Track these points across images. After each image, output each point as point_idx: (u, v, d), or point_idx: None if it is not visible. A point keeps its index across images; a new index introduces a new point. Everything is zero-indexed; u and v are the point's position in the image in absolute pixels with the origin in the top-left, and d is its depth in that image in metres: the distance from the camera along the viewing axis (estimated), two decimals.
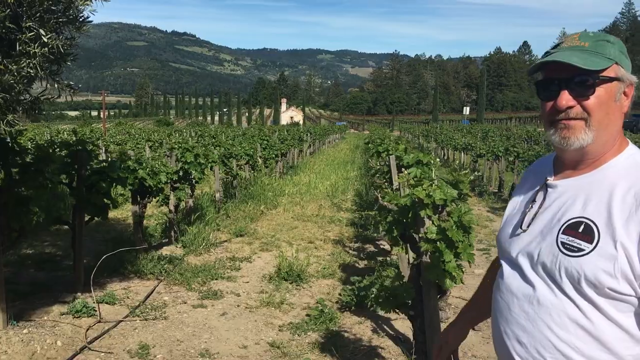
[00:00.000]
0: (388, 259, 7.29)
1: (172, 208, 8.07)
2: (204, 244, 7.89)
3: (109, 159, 5.83)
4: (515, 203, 1.59)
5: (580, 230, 1.31)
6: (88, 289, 5.62)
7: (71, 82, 3.75)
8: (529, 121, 70.76)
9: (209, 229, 8.50)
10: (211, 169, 10.36)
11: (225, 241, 8.48)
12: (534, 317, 1.36)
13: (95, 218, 5.64)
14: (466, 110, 71.71)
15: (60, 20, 3.56)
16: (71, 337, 4.58)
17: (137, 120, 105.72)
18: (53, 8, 3.29)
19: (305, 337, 4.89)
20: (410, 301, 2.85)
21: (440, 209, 2.68)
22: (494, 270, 1.66)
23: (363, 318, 5.25)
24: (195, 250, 7.68)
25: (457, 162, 20.98)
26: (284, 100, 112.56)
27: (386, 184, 5.36)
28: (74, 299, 5.29)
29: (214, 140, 18.51)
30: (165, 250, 7.56)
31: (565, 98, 1.36)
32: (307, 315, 5.36)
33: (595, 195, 1.34)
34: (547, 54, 1.45)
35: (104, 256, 5.52)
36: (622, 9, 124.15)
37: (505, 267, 1.51)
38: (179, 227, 8.41)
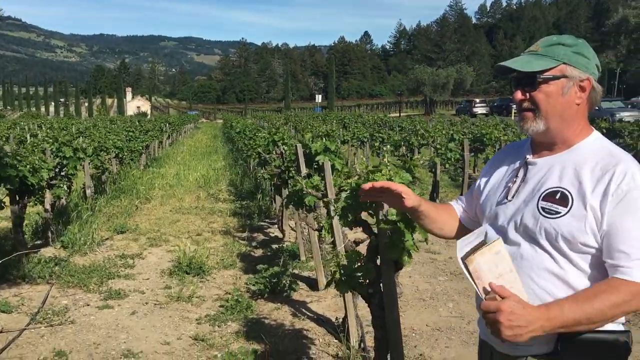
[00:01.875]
0: (283, 245, 7.45)
1: (48, 207, 7.53)
2: (87, 243, 7.48)
3: None
4: (497, 178, 1.87)
5: (557, 197, 1.62)
6: None
7: None
8: (375, 108, 74.56)
9: (93, 227, 8.06)
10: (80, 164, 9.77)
11: (107, 239, 8.10)
12: (518, 270, 1.61)
13: None
14: (318, 98, 73.80)
15: None
16: None
17: None
18: None
19: (226, 327, 4.91)
20: (367, 280, 3.04)
21: None
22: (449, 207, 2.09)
23: (279, 304, 5.37)
24: (80, 250, 7.26)
25: None
26: (128, 89, 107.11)
27: (293, 172, 5.50)
28: None
29: (64, 132, 17.30)
30: (46, 252, 7.05)
31: (517, 94, 1.71)
32: (222, 306, 5.37)
33: (568, 170, 1.64)
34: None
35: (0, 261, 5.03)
36: (450, 2, 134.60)
37: (491, 231, 1.78)
38: (57, 227, 7.87)
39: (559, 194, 1.62)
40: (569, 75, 1.65)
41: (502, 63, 1.71)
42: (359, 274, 2.99)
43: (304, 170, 5.33)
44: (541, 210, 1.63)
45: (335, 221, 4.18)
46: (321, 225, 4.76)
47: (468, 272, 1.54)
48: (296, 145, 5.40)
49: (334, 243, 4.26)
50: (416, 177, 2.68)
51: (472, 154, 10.58)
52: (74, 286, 5.92)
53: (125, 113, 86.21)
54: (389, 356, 3.11)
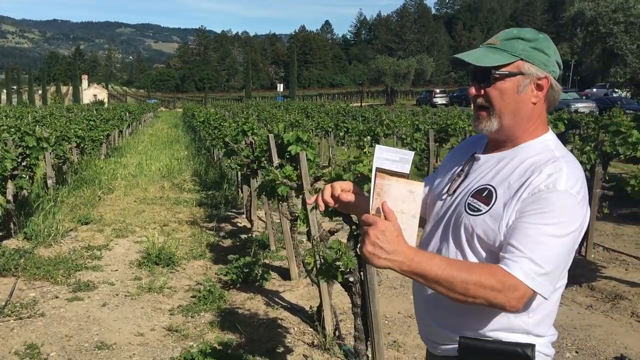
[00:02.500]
0: (252, 235, 7.47)
1: (10, 198, 7.36)
2: (52, 234, 7.34)
3: None
4: (448, 170, 1.77)
5: (484, 194, 1.55)
6: None
7: None
8: (336, 97, 74.67)
9: (58, 217, 7.90)
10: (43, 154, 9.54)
11: (72, 230, 7.95)
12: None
13: None
14: (280, 87, 73.47)
15: None
16: None
17: None
18: None
19: (199, 317, 4.91)
20: (347, 269, 3.10)
21: None
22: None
23: (252, 294, 5.40)
24: (44, 241, 7.12)
25: None
26: (85, 77, 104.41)
27: (265, 162, 5.51)
28: None
29: (24, 121, 16.86)
30: (10, 244, 6.90)
31: (472, 88, 1.61)
32: (194, 296, 5.36)
33: (505, 169, 1.57)
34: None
35: None
36: None
37: (427, 225, 1.74)
38: (19, 218, 7.69)
39: (486, 192, 1.56)
40: (525, 72, 1.55)
41: (457, 55, 1.60)
42: (340, 263, 3.05)
43: (276, 161, 5.35)
44: (467, 207, 1.57)
45: (312, 211, 4.23)
46: (296, 215, 4.80)
47: (374, 182, 1.48)
48: (268, 136, 5.42)
49: (308, 233, 4.30)
50: None
51: (437, 144, 10.75)
52: (41, 278, 5.82)
53: (82, 101, 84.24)
54: (367, 343, 3.18)
